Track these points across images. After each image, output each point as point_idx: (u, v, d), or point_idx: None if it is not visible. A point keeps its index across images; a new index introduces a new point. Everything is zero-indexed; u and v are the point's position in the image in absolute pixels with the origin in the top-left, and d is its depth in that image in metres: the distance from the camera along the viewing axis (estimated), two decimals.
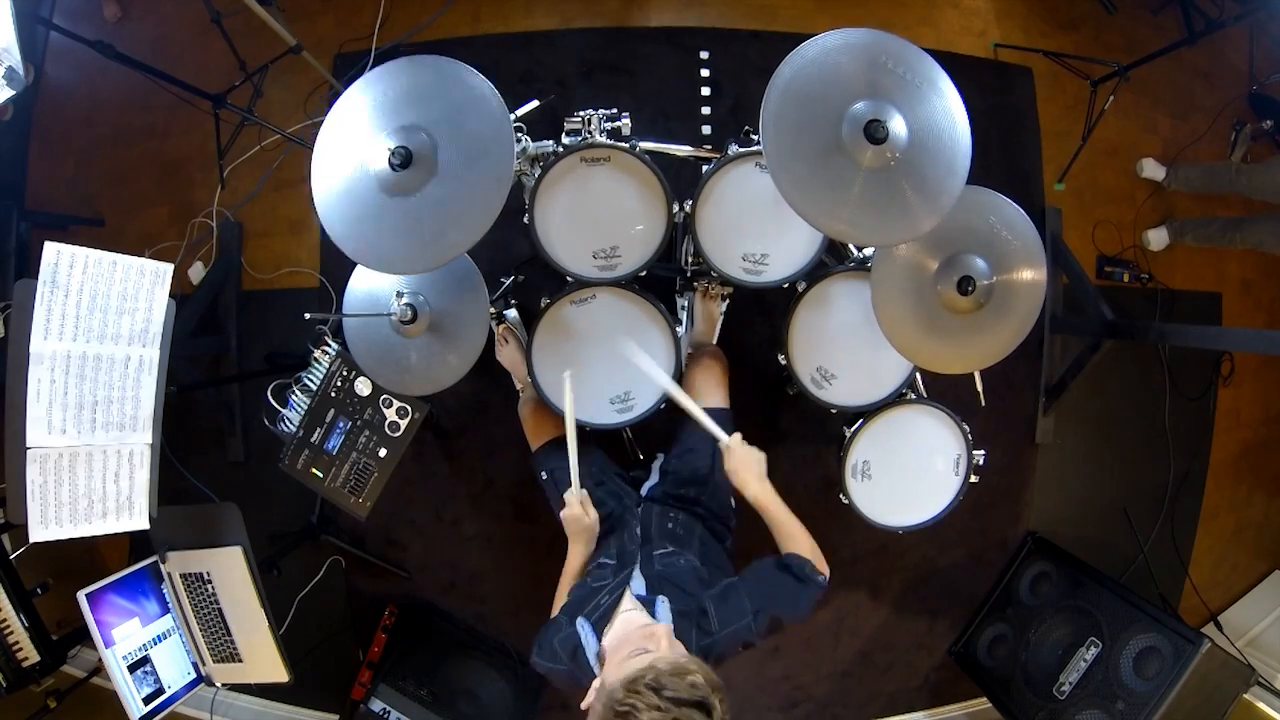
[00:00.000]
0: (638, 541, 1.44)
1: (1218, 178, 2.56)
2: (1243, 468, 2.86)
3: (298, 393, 1.91)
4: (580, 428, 1.73)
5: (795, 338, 1.78)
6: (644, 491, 1.69)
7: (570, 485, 1.50)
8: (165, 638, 1.89)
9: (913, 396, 1.82)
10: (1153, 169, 2.70)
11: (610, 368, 1.75)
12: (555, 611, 1.42)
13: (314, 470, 1.90)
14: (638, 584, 1.30)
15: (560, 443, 1.77)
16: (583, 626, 1.21)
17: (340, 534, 2.51)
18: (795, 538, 1.38)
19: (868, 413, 1.80)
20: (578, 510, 1.46)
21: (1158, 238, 2.69)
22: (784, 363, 1.79)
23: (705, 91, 2.50)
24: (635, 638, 1.10)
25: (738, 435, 1.46)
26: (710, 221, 1.69)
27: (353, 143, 1.36)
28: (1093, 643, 2.11)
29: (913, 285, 1.55)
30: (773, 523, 1.41)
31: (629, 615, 1.21)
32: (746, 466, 1.42)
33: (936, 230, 1.34)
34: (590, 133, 1.64)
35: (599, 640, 1.18)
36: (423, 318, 1.62)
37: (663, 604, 1.22)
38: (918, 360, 1.65)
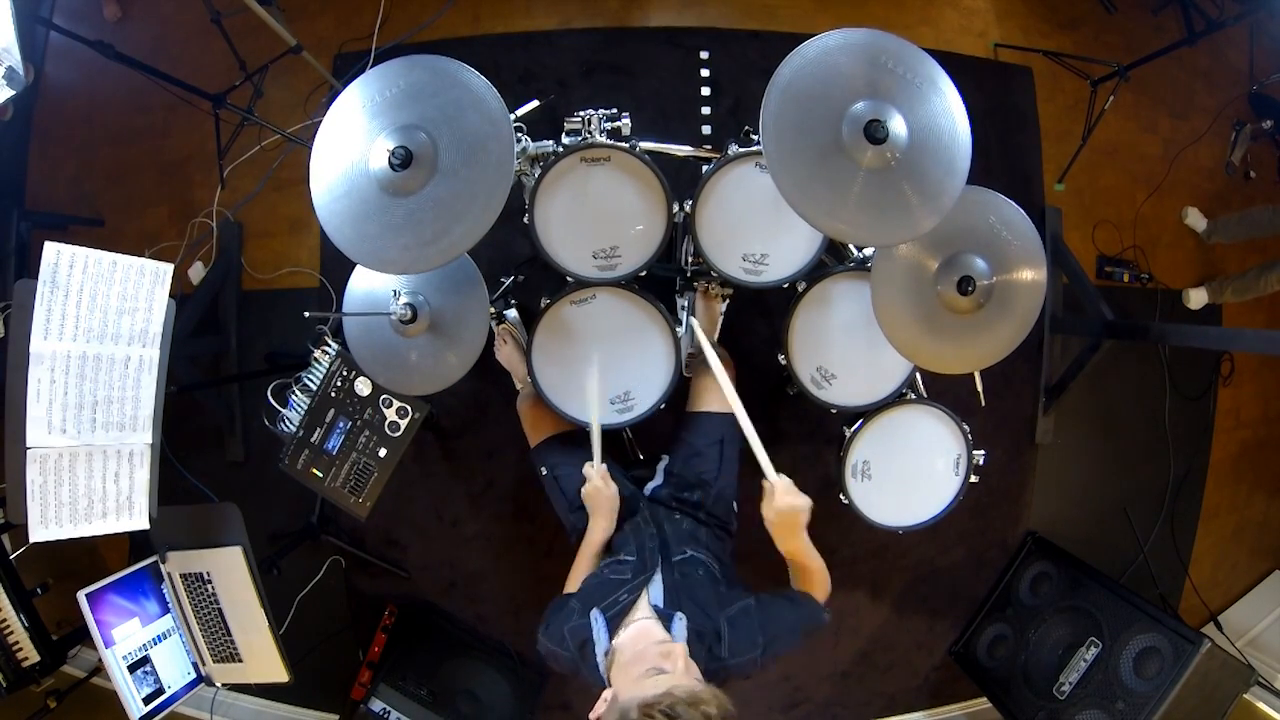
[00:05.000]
0: (656, 541, 1.44)
1: (1257, 222, 2.58)
2: (1243, 468, 2.87)
3: (298, 393, 1.91)
4: (580, 429, 1.74)
5: (795, 338, 1.78)
6: (647, 491, 1.69)
7: (579, 473, 1.52)
8: (165, 638, 1.89)
9: (913, 396, 1.82)
10: (1195, 218, 2.74)
11: (610, 368, 1.75)
12: (569, 587, 1.42)
13: (314, 470, 1.90)
14: (656, 591, 1.29)
15: (559, 439, 1.78)
16: (596, 620, 1.21)
17: (340, 534, 2.51)
18: (814, 581, 1.36)
19: (868, 413, 1.80)
20: (599, 483, 1.48)
21: (1198, 297, 2.72)
22: (784, 363, 1.79)
23: (705, 91, 2.50)
24: (651, 654, 1.10)
25: (785, 479, 1.30)
26: (710, 221, 1.69)
27: (352, 143, 1.36)
28: (1093, 643, 2.11)
29: (913, 285, 1.55)
30: (795, 570, 1.39)
31: (645, 625, 1.20)
32: (786, 519, 1.28)
33: (936, 230, 1.34)
34: (590, 133, 1.63)
35: (610, 638, 1.18)
36: (423, 317, 1.62)
37: (680, 621, 1.21)
38: (918, 360, 1.64)
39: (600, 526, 1.49)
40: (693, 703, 0.93)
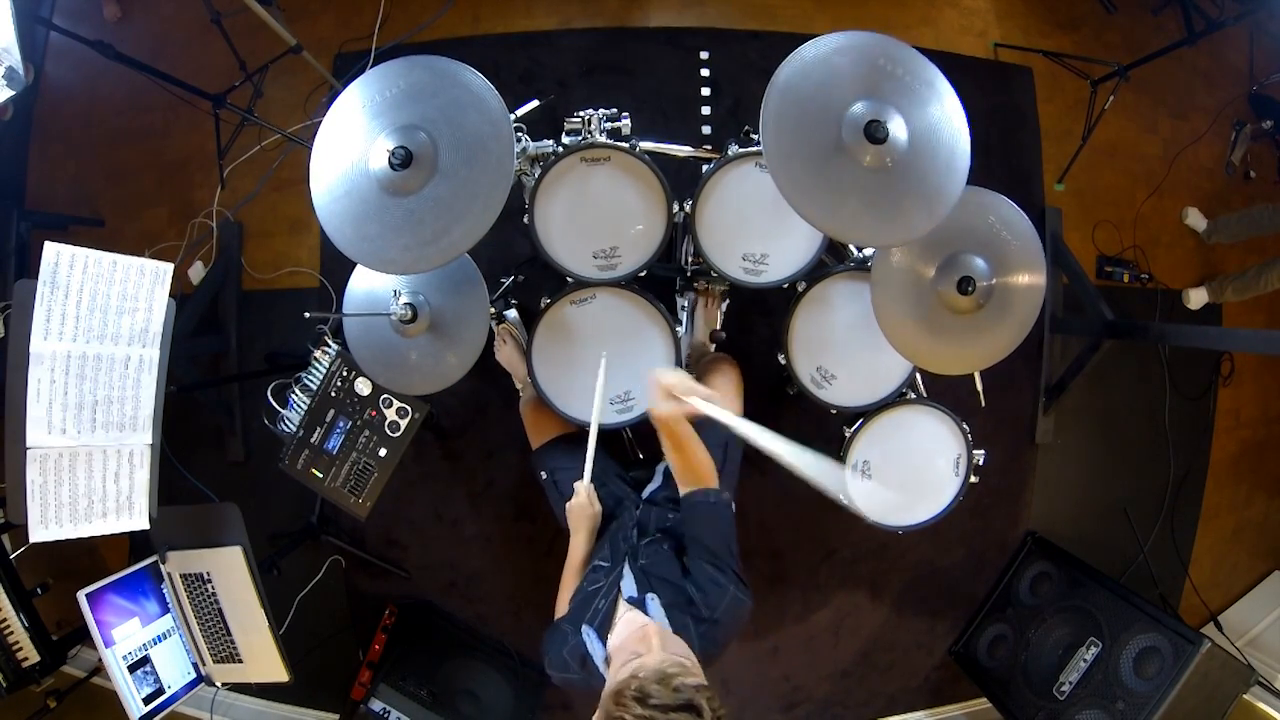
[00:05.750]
0: (631, 541, 1.44)
1: (1257, 221, 2.58)
2: (1243, 468, 2.87)
3: (298, 393, 1.91)
4: (581, 428, 1.74)
5: (795, 338, 1.78)
6: (646, 494, 1.69)
7: (578, 478, 1.52)
8: (165, 638, 1.89)
9: (913, 396, 1.82)
10: (1195, 218, 2.74)
11: (611, 368, 1.74)
12: (559, 609, 1.42)
13: (314, 470, 1.90)
14: (628, 584, 1.29)
15: (560, 442, 1.78)
16: (587, 634, 1.21)
17: (340, 534, 2.51)
18: (688, 468, 1.32)
19: (868, 413, 1.80)
20: (584, 499, 1.49)
21: (1198, 297, 2.72)
22: (784, 363, 1.79)
23: (705, 91, 2.50)
24: (630, 642, 1.11)
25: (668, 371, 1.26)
26: (710, 221, 1.69)
27: (352, 143, 1.36)
28: (1093, 643, 2.11)
29: (912, 285, 1.55)
30: (671, 448, 1.31)
31: (626, 619, 1.20)
32: (653, 387, 1.24)
33: (936, 230, 1.34)
34: (590, 133, 1.64)
35: (604, 645, 1.18)
36: (423, 317, 1.62)
37: (653, 601, 1.21)
38: (918, 360, 1.64)
39: (580, 543, 1.50)
40: (661, 680, 0.94)
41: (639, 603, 1.22)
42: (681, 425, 1.27)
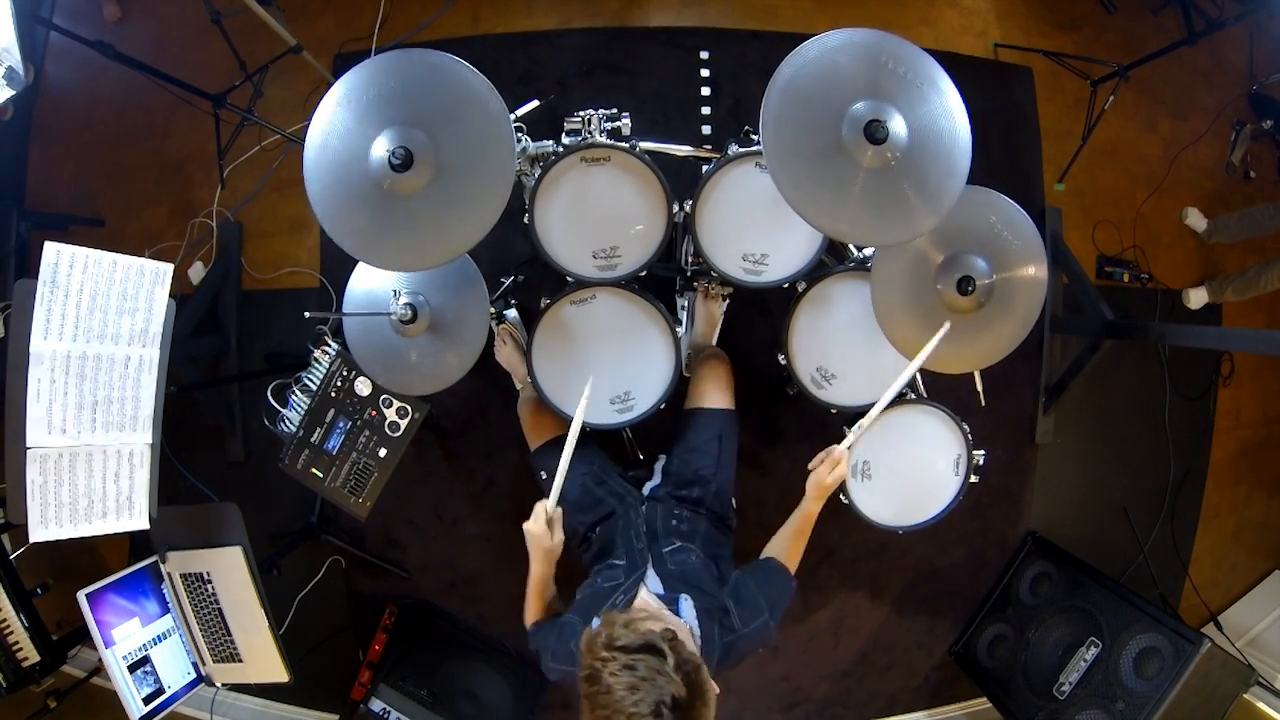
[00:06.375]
0: (644, 541, 1.44)
1: (1257, 221, 2.58)
2: (1243, 468, 2.87)
3: (298, 393, 1.91)
4: (581, 428, 1.74)
5: (795, 338, 1.78)
6: (646, 491, 1.69)
7: (573, 479, 1.53)
8: (165, 638, 1.89)
9: (913, 396, 1.82)
10: (1195, 219, 2.74)
11: (610, 368, 1.75)
12: (530, 622, 1.41)
13: (314, 470, 1.90)
14: (654, 583, 1.31)
15: (557, 443, 1.77)
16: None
17: (340, 534, 2.51)
18: (798, 550, 1.45)
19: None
20: (543, 526, 1.33)
21: (1198, 297, 2.72)
22: (784, 363, 1.79)
23: (705, 91, 2.50)
24: None
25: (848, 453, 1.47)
26: (710, 221, 1.69)
27: (349, 139, 1.34)
28: (1093, 643, 2.11)
29: (913, 285, 1.55)
30: (793, 533, 1.45)
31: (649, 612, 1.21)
32: (830, 486, 1.44)
33: (936, 230, 1.34)
34: (590, 133, 1.64)
35: None
36: (423, 317, 1.62)
37: (686, 602, 1.24)
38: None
39: (538, 570, 1.39)
40: (626, 624, 0.99)
41: (671, 601, 1.25)
42: (813, 522, 1.45)
